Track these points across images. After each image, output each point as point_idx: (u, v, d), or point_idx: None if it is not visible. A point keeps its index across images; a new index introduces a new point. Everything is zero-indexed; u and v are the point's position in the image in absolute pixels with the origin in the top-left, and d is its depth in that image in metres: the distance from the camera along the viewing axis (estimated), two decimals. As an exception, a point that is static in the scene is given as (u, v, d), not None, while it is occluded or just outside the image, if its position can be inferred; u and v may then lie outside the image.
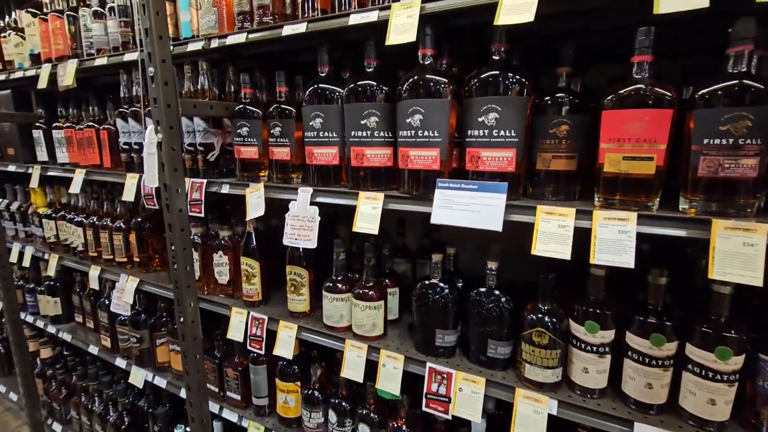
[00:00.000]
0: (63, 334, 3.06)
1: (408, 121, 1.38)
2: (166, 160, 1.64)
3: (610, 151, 1.14)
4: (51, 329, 3.15)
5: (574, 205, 1.20)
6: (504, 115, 1.25)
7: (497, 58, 1.30)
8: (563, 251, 1.17)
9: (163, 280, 2.39)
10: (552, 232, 1.19)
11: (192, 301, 1.82)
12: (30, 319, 3.28)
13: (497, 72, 1.27)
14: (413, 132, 1.37)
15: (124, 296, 2.44)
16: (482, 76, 1.29)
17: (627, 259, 1.09)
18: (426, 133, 1.35)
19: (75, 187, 2.49)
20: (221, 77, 2.05)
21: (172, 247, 1.73)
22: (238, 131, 1.81)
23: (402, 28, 1.29)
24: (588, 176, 1.30)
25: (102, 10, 2.23)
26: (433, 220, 1.35)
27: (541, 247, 1.20)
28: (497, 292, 1.44)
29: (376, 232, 1.46)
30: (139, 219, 2.48)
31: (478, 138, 1.30)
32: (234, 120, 1.83)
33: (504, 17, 1.12)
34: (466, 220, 1.29)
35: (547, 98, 1.29)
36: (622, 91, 1.11)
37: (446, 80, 1.33)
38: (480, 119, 1.29)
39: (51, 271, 2.90)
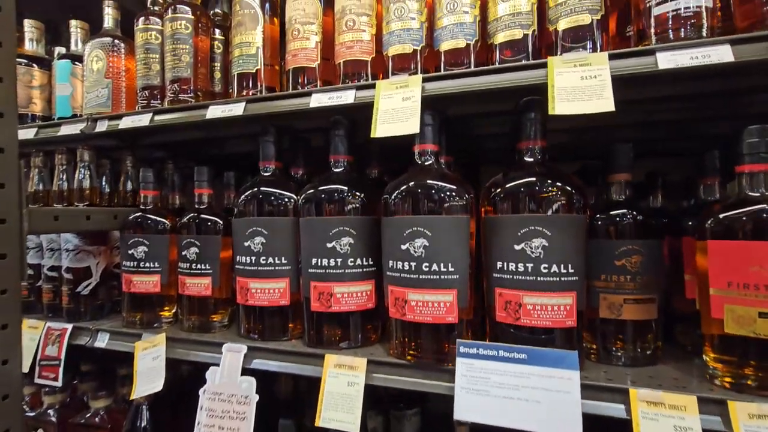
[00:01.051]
0: None
1: (405, 247, 0.90)
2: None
3: (733, 302, 0.74)
4: None
5: (686, 383, 0.76)
6: (555, 242, 0.82)
7: (530, 159, 0.91)
8: (695, 477, 0.68)
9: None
10: (665, 439, 0.71)
11: None
12: None
13: (534, 179, 0.87)
14: (414, 264, 0.89)
15: None
16: (513, 184, 0.88)
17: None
18: (435, 266, 0.87)
19: None
20: (115, 170, 1.47)
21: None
22: (131, 251, 1.20)
23: (396, 115, 0.87)
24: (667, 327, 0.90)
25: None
26: (458, 414, 0.81)
27: (655, 469, 0.70)
28: None
29: (356, 429, 0.88)
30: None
31: (517, 275, 0.85)
32: (126, 235, 1.22)
33: (564, 105, 0.74)
34: (516, 418, 0.77)
35: (608, 216, 0.90)
36: (740, 212, 0.75)
37: (464, 190, 0.90)
38: (518, 247, 0.84)
39: None
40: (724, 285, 0.75)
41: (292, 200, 1.09)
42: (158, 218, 1.22)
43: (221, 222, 1.17)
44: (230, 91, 1.28)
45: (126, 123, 1.16)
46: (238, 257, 1.09)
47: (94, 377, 1.44)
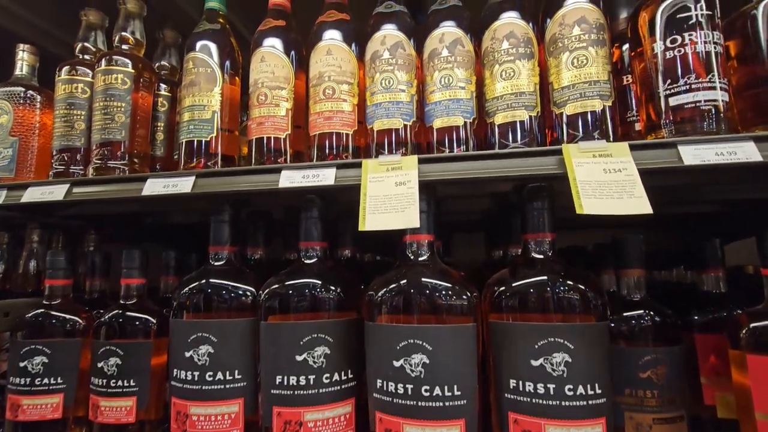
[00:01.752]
0: None
1: (399, 364, 0.72)
2: None
3: (788, 431, 0.64)
4: None
5: None
6: (580, 356, 0.69)
7: (539, 255, 0.79)
8: None
9: None
10: None
11: None
12: None
13: (547, 278, 0.75)
14: (412, 387, 0.71)
15: None
16: (525, 284, 0.75)
17: None
18: (437, 391, 0.70)
19: None
20: (14, 243, 1.16)
21: None
22: (24, 364, 0.89)
23: (389, 203, 0.72)
24: None
25: None
26: None
27: None
28: None
29: None
30: None
31: (537, 398, 0.70)
32: (19, 340, 0.92)
33: (592, 203, 0.63)
34: None
35: (626, 320, 0.79)
36: (781, 326, 0.66)
37: (468, 289, 0.75)
38: (536, 363, 0.70)
39: None
40: (772, 410, 0.65)
41: (250, 296, 0.88)
42: (67, 316, 0.94)
43: (154, 321, 0.92)
44: (175, 156, 1.08)
45: (32, 195, 0.91)
46: (175, 371, 0.84)
47: None
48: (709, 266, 0.93)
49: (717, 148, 0.67)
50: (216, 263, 0.91)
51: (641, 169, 0.68)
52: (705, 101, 0.70)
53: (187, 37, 0.99)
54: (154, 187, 0.85)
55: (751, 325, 0.69)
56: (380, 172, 0.76)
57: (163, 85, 1.14)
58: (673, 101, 0.72)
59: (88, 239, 1.27)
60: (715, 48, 0.72)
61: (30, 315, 0.93)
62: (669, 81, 0.73)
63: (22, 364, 0.89)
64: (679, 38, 0.72)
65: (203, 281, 0.89)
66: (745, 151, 0.66)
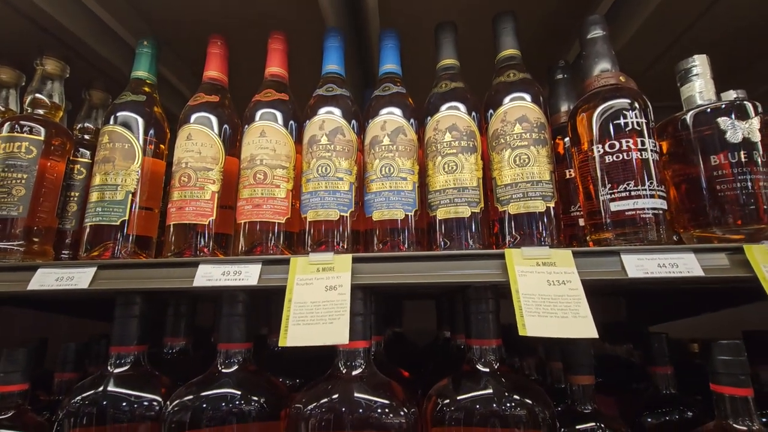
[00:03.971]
0: None
1: (323, 507, 0.60)
2: None
3: None
4: None
5: None
6: (527, 492, 0.61)
7: (483, 367, 0.72)
8: None
9: None
10: None
11: None
12: None
13: (491, 393, 0.68)
14: None
15: None
16: (465, 398, 0.68)
17: None
18: None
19: None
20: None
21: None
22: None
23: (317, 312, 0.63)
24: None
25: None
26: None
27: None
28: None
29: None
30: None
31: None
32: None
33: (535, 322, 0.58)
34: None
35: (577, 436, 0.73)
36: (733, 454, 0.62)
37: (406, 405, 0.66)
38: (481, 501, 0.61)
39: None
40: None
41: (156, 408, 0.74)
42: None
43: (34, 439, 0.76)
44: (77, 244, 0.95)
45: None
46: None
47: None
48: (658, 363, 0.89)
49: (659, 258, 0.65)
50: (119, 368, 0.77)
51: (585, 280, 0.65)
52: (646, 209, 0.68)
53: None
54: (45, 279, 0.72)
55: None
56: (310, 272, 0.68)
57: (83, 151, 1.02)
58: (614, 206, 0.70)
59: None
60: (652, 155, 0.72)
61: None
62: (609, 186, 0.71)
63: None
64: (617, 144, 0.72)
65: (101, 389, 0.75)
66: (686, 264, 0.65)
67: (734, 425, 0.64)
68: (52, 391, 0.95)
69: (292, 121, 0.84)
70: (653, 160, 0.71)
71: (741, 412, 0.65)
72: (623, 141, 0.71)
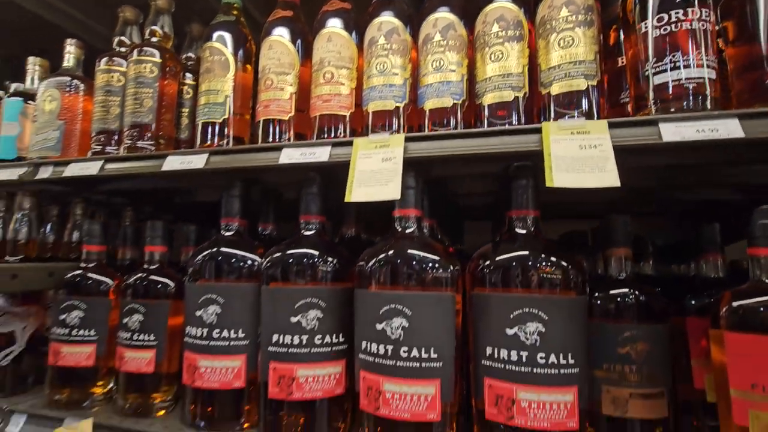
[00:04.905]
0: None
1: (381, 327, 0.77)
2: None
3: (759, 407, 0.64)
4: None
5: None
6: (553, 327, 0.72)
7: (522, 231, 0.82)
8: None
9: None
10: None
11: None
12: None
13: (528, 253, 0.78)
14: (392, 348, 0.76)
15: None
16: (505, 258, 0.79)
17: None
18: (414, 352, 0.75)
19: None
20: (62, 216, 1.31)
21: None
22: (63, 317, 1.03)
23: (374, 177, 0.77)
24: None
25: None
26: None
27: None
28: None
29: None
30: None
31: (510, 364, 0.73)
32: (60, 297, 1.05)
33: (562, 176, 0.66)
34: None
35: (610, 297, 0.80)
36: (758, 302, 0.66)
37: (450, 262, 0.79)
38: (511, 331, 0.73)
39: None
40: (747, 386, 0.65)
41: (255, 264, 0.96)
42: (100, 277, 1.07)
43: (172, 284, 1.03)
44: (194, 139, 1.18)
45: (72, 170, 1.03)
46: (188, 328, 0.94)
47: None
48: (706, 251, 0.91)
49: (698, 125, 0.67)
50: (226, 233, 1.00)
51: (620, 146, 0.70)
52: (688, 79, 0.70)
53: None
54: (172, 163, 0.95)
55: (732, 303, 0.69)
56: (369, 149, 0.81)
57: (189, 75, 1.24)
58: (658, 80, 0.72)
59: (125, 215, 1.40)
60: (703, 26, 0.71)
61: (69, 275, 1.06)
62: (655, 59, 0.73)
63: (62, 317, 1.02)
64: (666, 16, 0.72)
65: (214, 249, 0.98)
66: (728, 128, 0.66)
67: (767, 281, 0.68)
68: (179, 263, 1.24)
69: (353, 28, 0.95)
70: (703, 30, 0.71)
71: (775, 270, 0.67)
72: (672, 13, 0.72)
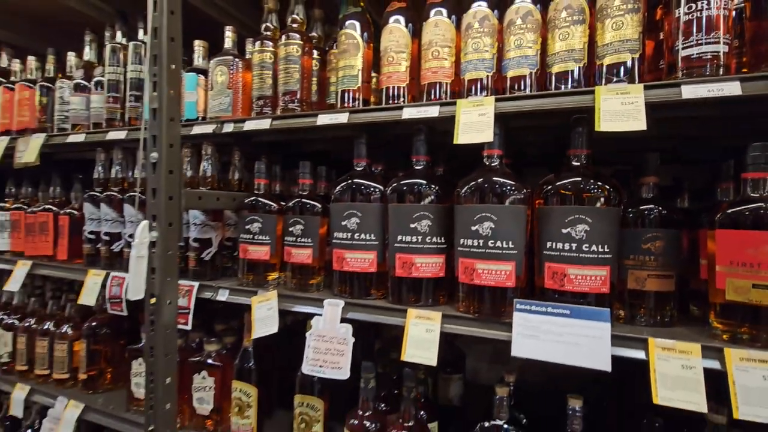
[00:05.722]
0: (-44, 477, 2.28)
1: (475, 228, 1.17)
2: (159, 265, 1.29)
3: (733, 276, 0.98)
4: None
5: (695, 338, 1.00)
6: (595, 228, 1.08)
7: (577, 163, 1.16)
8: (696, 401, 0.93)
9: (116, 403, 1.86)
10: (675, 375, 0.96)
11: (170, 452, 1.36)
12: None
13: (580, 179, 1.13)
14: (482, 242, 1.16)
15: (59, 430, 1.86)
16: (563, 182, 1.14)
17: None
18: (498, 243, 1.14)
19: (14, 284, 2.00)
20: (221, 163, 1.80)
21: (151, 378, 1.31)
22: (248, 227, 1.52)
23: (473, 127, 1.14)
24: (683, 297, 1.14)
25: (86, 83, 1.97)
26: (515, 352, 1.08)
27: (666, 395, 0.95)
28: (585, 441, 1.15)
29: (434, 362, 1.17)
30: (94, 323, 1.99)
31: (563, 252, 1.11)
32: (243, 214, 1.55)
33: (607, 124, 0.99)
34: (561, 354, 1.04)
35: (638, 210, 1.14)
36: (741, 208, 0.98)
37: (522, 186, 1.16)
38: (565, 231, 1.10)
39: (-45, 390, 2.23)
40: (727, 263, 0.99)
41: (378, 190, 1.38)
42: (269, 201, 1.54)
43: (320, 206, 1.48)
44: (327, 101, 1.60)
45: (249, 126, 1.48)
46: (335, 234, 1.39)
47: (200, 329, 1.78)
48: (723, 180, 1.21)
49: (709, 86, 0.97)
50: (358, 169, 1.42)
51: (652, 102, 1.01)
52: (707, 52, 0.98)
53: (329, 12, 1.45)
54: (323, 119, 1.37)
55: (724, 210, 1.01)
56: (469, 107, 1.17)
57: (315, 51, 1.63)
58: (684, 53, 1.01)
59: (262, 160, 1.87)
60: (723, 12, 0.98)
61: (248, 200, 1.54)
62: (683, 38, 1.01)
63: (247, 227, 1.52)
64: (694, 5, 1.00)
65: (350, 181, 1.41)
66: (730, 88, 0.95)
67: (751, 194, 0.99)
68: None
69: (453, 15, 1.28)
70: (723, 15, 0.98)
71: (758, 187, 0.98)
72: (698, 2, 0.99)
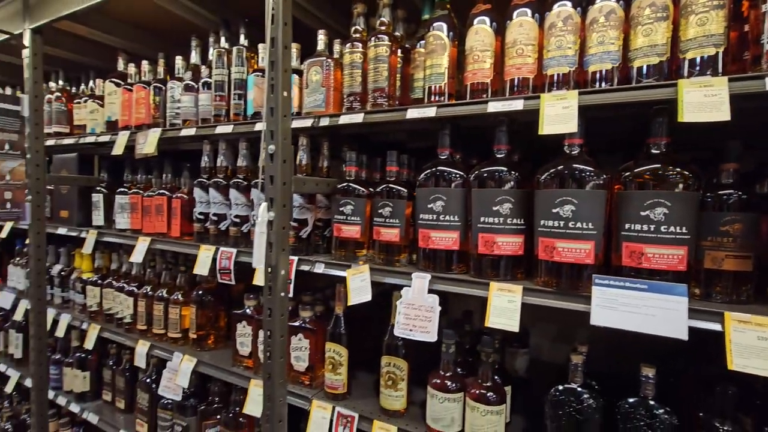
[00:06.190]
0: (88, 415, 2.75)
1: (556, 211, 1.30)
2: (275, 240, 1.53)
3: (813, 256, 1.04)
4: (74, 407, 2.84)
5: (772, 314, 1.08)
6: (674, 211, 1.17)
7: (657, 151, 1.25)
8: (770, 369, 1.02)
9: (219, 360, 2.18)
10: (751, 345, 1.05)
11: (282, 396, 1.62)
12: (50, 394, 2.98)
13: (659, 165, 1.22)
14: (563, 223, 1.29)
15: (177, 378, 2.21)
16: (642, 169, 1.24)
17: None
18: (579, 224, 1.27)
19: (138, 255, 2.37)
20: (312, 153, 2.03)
21: (269, 335, 1.57)
22: (341, 209, 1.73)
23: (557, 119, 1.26)
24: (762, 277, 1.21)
25: (194, 84, 2.27)
26: (594, 321, 1.21)
27: (741, 362, 1.05)
28: (656, 405, 1.26)
29: (516, 328, 1.32)
30: (200, 291, 2.32)
31: (641, 233, 1.21)
32: (336, 197, 1.76)
33: (690, 115, 1.08)
34: (637, 323, 1.16)
35: (716, 194, 1.22)
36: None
37: (602, 172, 1.27)
38: (644, 213, 1.20)
39: (89, 343, 2.68)
40: (807, 245, 1.05)
41: (461, 176, 1.53)
42: (359, 186, 1.74)
43: (406, 191, 1.66)
44: (410, 95, 1.76)
45: (344, 120, 1.68)
46: (421, 215, 1.57)
47: (297, 295, 2.03)
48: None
49: (795, 77, 1.03)
50: (441, 157, 1.58)
51: (735, 93, 1.08)
52: (792, 46, 1.04)
53: (411, 13, 1.60)
54: (413, 113, 1.53)
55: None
56: (552, 101, 1.29)
57: (399, 50, 1.79)
58: (769, 46, 1.07)
59: (344, 150, 2.07)
60: (812, 5, 1.03)
61: (341, 185, 1.75)
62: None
63: (340, 209, 1.73)
64: (781, 0, 1.05)
65: (434, 168, 1.57)
66: (817, 79, 1.01)
67: None
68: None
69: (537, 14, 1.39)
70: (813, 8, 1.03)
71: None
72: (788, -3, 1.04)
